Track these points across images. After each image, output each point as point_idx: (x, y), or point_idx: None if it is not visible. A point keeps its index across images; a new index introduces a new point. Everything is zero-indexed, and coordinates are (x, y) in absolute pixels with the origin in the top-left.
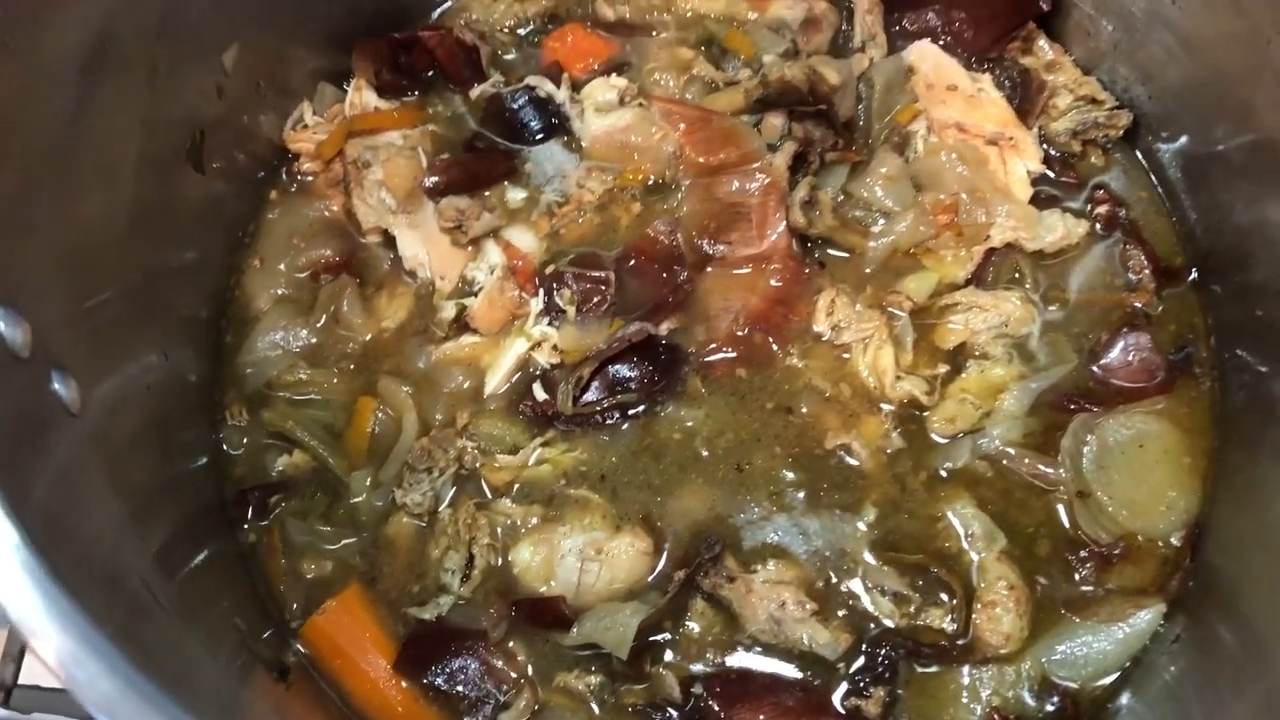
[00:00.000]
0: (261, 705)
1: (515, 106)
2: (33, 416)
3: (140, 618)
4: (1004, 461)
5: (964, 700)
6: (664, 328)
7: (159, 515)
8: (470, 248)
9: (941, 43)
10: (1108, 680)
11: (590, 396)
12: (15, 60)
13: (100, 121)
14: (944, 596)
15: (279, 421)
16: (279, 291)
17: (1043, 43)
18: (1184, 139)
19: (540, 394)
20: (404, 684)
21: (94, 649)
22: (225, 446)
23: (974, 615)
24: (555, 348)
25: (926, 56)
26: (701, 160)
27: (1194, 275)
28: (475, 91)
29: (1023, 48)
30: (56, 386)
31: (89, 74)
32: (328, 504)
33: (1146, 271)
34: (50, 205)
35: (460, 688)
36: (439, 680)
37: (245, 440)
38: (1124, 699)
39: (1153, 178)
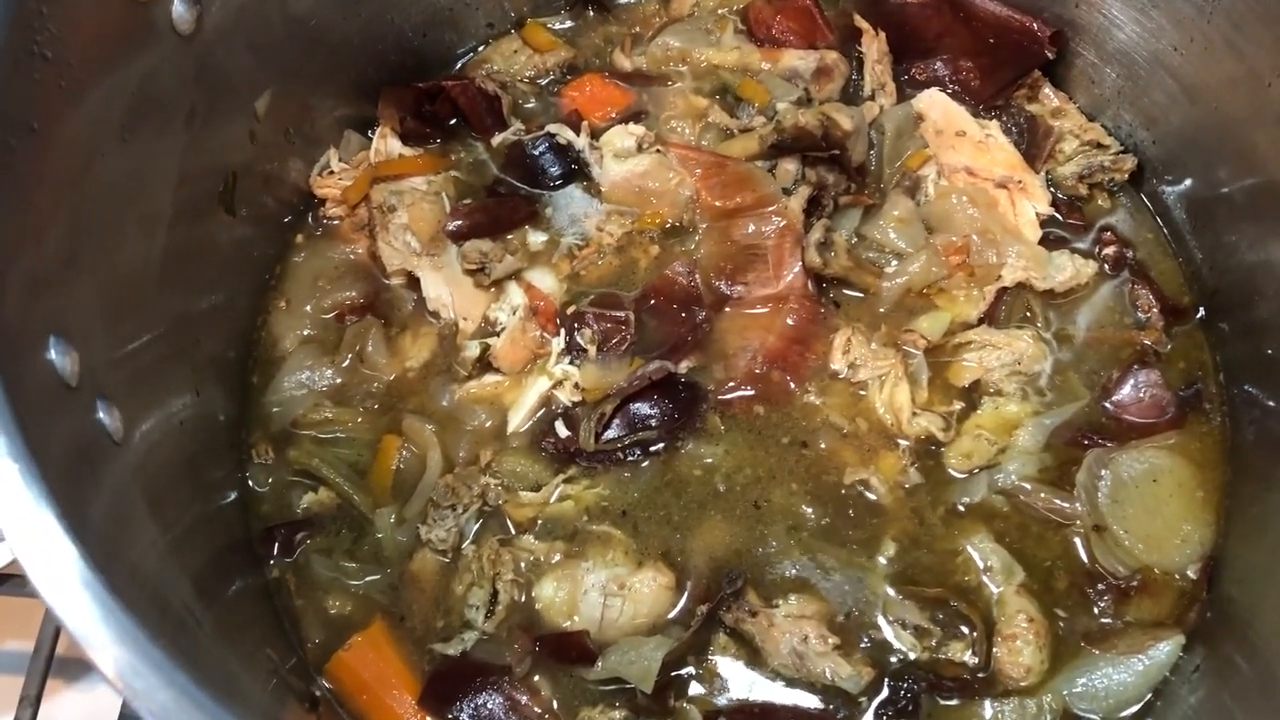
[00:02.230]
0: None
1: (536, 153)
2: (84, 443)
3: (187, 636)
4: (1020, 496)
5: None
6: (683, 366)
7: (195, 547)
8: (493, 289)
9: (949, 91)
10: (1129, 712)
11: (611, 434)
12: (73, 110)
13: (142, 165)
14: (964, 630)
15: (304, 459)
16: (305, 332)
17: (1048, 90)
18: (1188, 182)
19: (562, 431)
20: None
21: (150, 660)
22: (252, 484)
23: (994, 648)
24: (577, 386)
25: (935, 104)
26: (718, 204)
27: (1201, 313)
28: (497, 139)
29: (1029, 95)
30: (101, 415)
31: (134, 118)
32: (352, 540)
33: (1155, 310)
34: (96, 247)
35: None
36: (464, 716)
37: (271, 478)
38: None
39: (1158, 219)
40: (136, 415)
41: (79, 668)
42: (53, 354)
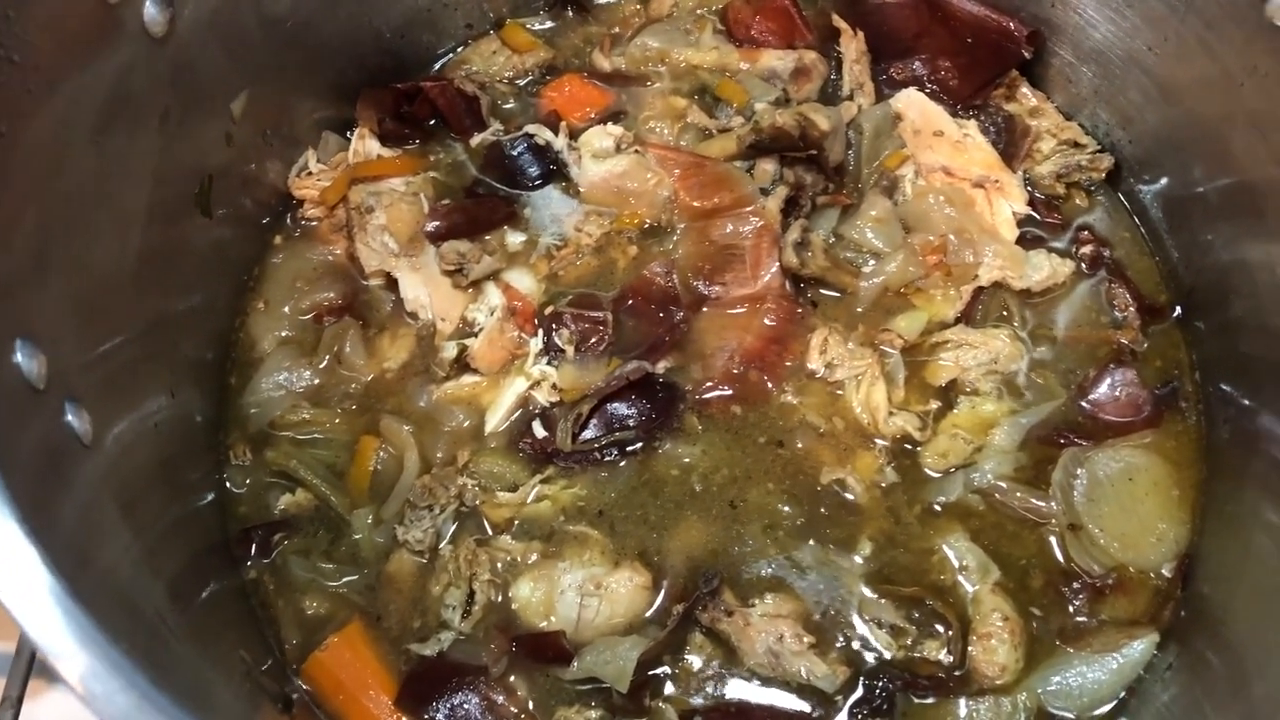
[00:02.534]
0: None
1: (514, 154)
2: (52, 447)
3: (157, 642)
4: (996, 495)
5: None
6: (661, 366)
7: (170, 550)
8: (471, 290)
9: (928, 91)
10: (1104, 710)
11: (589, 434)
12: (42, 112)
13: (114, 167)
14: (940, 628)
15: (282, 460)
16: (283, 334)
17: (1025, 89)
18: (1164, 181)
19: (540, 432)
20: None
21: (112, 665)
22: (229, 485)
23: (970, 647)
24: (554, 386)
25: (913, 104)
26: (696, 204)
27: (1178, 312)
28: (476, 139)
29: (1006, 95)
30: (70, 418)
31: (106, 120)
32: (330, 541)
33: (1131, 309)
34: (66, 250)
35: None
36: (440, 716)
37: (248, 480)
38: None
39: (1135, 218)
40: (108, 418)
41: None
42: (19, 357)
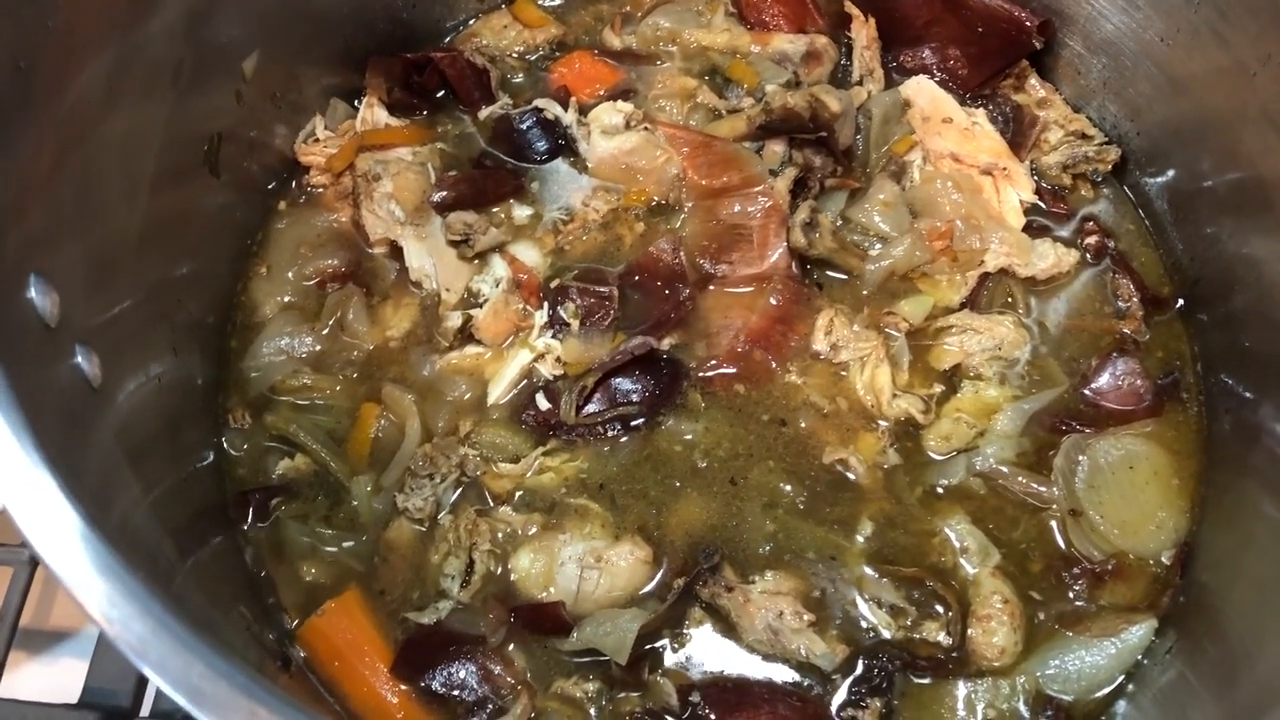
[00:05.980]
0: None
1: (523, 127)
2: (66, 388)
3: (172, 586)
4: (998, 479)
5: (960, 713)
6: (666, 343)
7: (174, 506)
8: (476, 261)
9: (937, 78)
10: (1101, 693)
11: (592, 408)
12: (60, 53)
13: (128, 126)
14: (939, 609)
15: (282, 425)
16: (285, 299)
17: (1034, 80)
18: (1171, 174)
19: (543, 404)
20: (402, 687)
21: (131, 593)
22: (227, 448)
23: (969, 629)
24: (558, 359)
25: (922, 91)
26: (704, 183)
27: (1181, 303)
28: (484, 112)
29: (1015, 85)
30: (80, 360)
31: (121, 75)
32: (329, 507)
33: (1135, 299)
34: (81, 203)
35: (457, 692)
36: (436, 684)
37: (246, 444)
38: (1119, 711)
39: (1140, 210)
40: (116, 369)
41: (42, 639)
42: (32, 293)
